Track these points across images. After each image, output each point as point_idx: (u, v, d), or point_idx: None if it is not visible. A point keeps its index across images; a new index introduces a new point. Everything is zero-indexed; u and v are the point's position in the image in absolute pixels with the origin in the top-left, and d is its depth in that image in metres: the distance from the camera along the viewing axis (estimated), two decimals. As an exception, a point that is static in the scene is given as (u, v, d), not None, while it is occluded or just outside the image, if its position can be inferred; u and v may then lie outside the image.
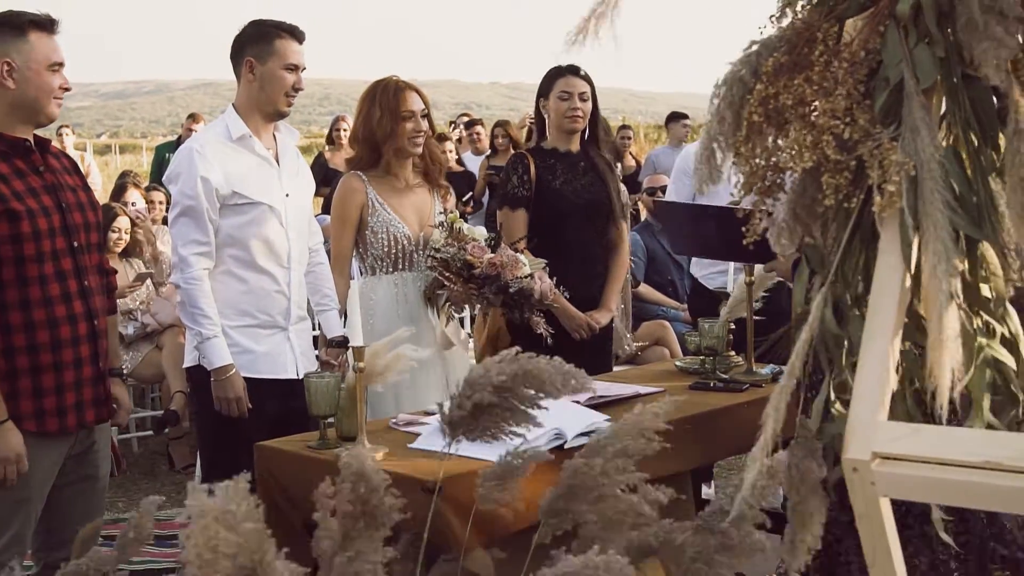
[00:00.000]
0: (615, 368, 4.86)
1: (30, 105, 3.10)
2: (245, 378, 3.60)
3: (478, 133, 10.63)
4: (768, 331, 3.99)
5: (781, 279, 4.28)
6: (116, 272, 3.50)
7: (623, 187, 5.02)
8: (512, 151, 9.83)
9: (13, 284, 3.04)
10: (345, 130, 10.31)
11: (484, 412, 2.34)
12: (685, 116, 12.67)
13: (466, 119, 11.71)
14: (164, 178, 3.68)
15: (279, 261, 3.70)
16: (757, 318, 3.89)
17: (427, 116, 4.06)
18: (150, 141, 47.08)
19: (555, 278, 3.95)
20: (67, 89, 3.18)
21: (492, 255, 3.78)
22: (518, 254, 3.86)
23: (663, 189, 7.26)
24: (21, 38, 3.06)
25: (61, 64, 3.14)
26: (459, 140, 11.23)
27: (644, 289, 6.76)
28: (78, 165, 3.41)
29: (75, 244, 3.16)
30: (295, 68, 3.67)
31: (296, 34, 3.69)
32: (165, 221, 7.63)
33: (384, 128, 3.98)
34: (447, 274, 3.79)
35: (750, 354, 3.82)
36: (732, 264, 4.28)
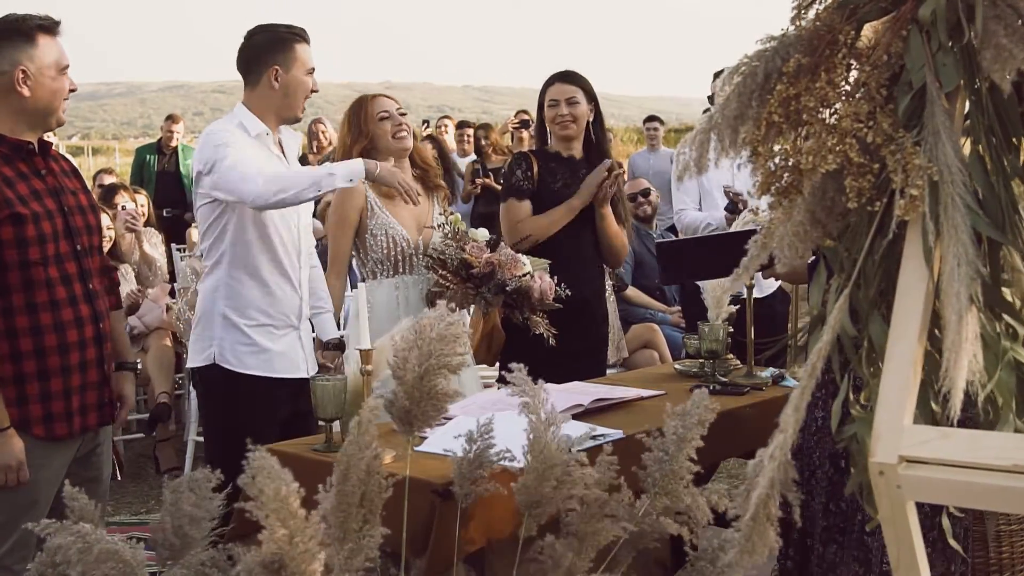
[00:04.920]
0: (609, 372, 4.87)
1: (43, 110, 3.11)
2: (262, 377, 3.61)
3: (468, 135, 10.57)
4: (760, 335, 4.03)
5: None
6: (117, 269, 3.47)
7: None
8: (493, 154, 9.82)
9: (19, 288, 3.02)
10: (324, 132, 10.27)
11: (417, 401, 2.36)
12: (658, 119, 12.78)
13: (447, 121, 11.66)
14: (202, 166, 3.57)
15: (293, 260, 3.71)
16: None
17: (404, 115, 4.10)
18: (122, 143, 46.90)
19: (555, 277, 3.95)
20: (73, 90, 3.18)
21: (490, 254, 3.78)
22: (519, 254, 3.86)
23: (643, 192, 7.28)
24: (31, 44, 3.05)
25: (67, 67, 3.14)
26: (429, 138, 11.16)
27: (632, 292, 6.76)
28: (77, 168, 3.40)
29: (78, 247, 3.15)
30: (312, 72, 3.70)
31: (306, 37, 3.76)
32: (148, 223, 7.61)
33: (355, 136, 4.03)
34: (443, 273, 3.79)
35: (750, 357, 3.83)
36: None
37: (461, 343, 2.35)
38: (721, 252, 3.60)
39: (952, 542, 2.26)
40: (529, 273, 3.85)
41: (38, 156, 3.14)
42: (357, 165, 3.54)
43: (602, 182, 4.34)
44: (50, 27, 3.11)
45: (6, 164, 3.05)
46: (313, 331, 4.16)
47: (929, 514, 3.00)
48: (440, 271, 3.83)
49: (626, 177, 10.52)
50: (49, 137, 3.44)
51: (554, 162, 4.46)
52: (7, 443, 2.98)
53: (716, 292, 4.07)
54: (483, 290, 3.79)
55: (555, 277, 3.97)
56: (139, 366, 3.35)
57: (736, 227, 4.84)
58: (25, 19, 3.08)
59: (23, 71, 3.04)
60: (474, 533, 2.67)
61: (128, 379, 3.37)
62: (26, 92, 3.06)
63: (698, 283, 4.83)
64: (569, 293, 4.05)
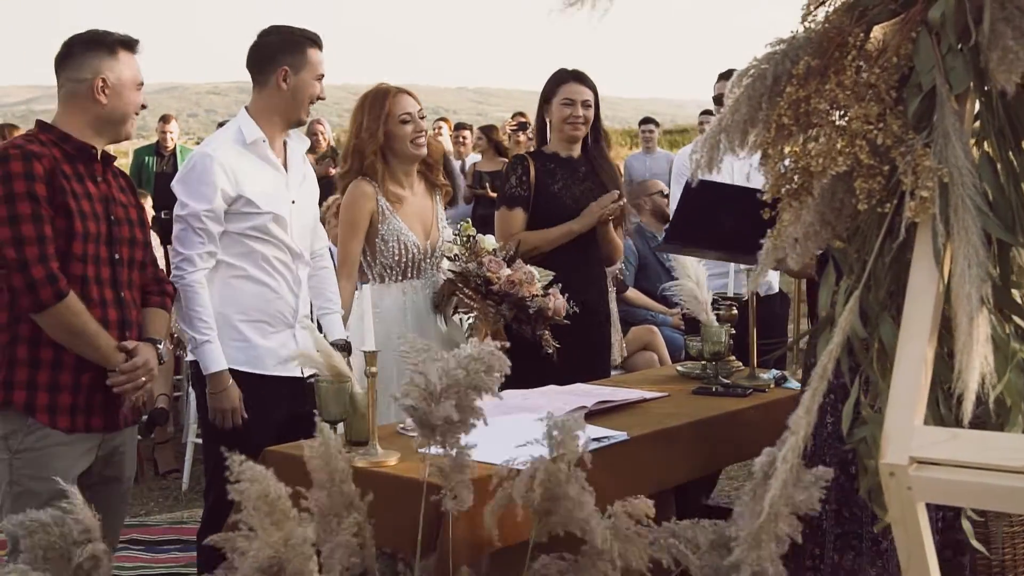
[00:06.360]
0: (612, 374, 4.86)
1: (117, 121, 3.24)
2: (252, 375, 3.61)
3: (463, 137, 10.56)
4: (759, 336, 4.03)
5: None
6: (171, 284, 3.51)
7: None
8: (495, 155, 9.82)
9: None
10: (323, 133, 10.26)
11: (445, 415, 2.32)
12: (654, 121, 12.82)
13: (442, 123, 11.66)
14: (176, 179, 3.66)
15: (285, 265, 3.70)
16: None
17: (423, 118, 4.09)
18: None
19: (560, 286, 3.95)
20: (144, 107, 3.31)
21: (509, 271, 3.78)
22: (530, 266, 3.87)
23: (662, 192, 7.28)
24: (113, 56, 3.21)
25: (142, 84, 3.28)
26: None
27: (632, 294, 6.75)
28: (135, 187, 3.49)
29: (116, 256, 3.20)
30: (321, 77, 3.71)
31: (319, 43, 3.76)
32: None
33: (372, 133, 4.01)
34: (466, 291, 3.80)
35: (753, 359, 3.83)
36: (732, 267, 4.29)
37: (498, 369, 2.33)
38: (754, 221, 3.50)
39: (975, 543, 2.26)
40: (545, 293, 3.87)
41: (98, 163, 3.23)
42: (214, 368, 3.56)
43: (605, 211, 4.34)
44: (130, 44, 3.26)
45: (67, 161, 3.14)
46: (321, 332, 4.15)
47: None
48: (462, 288, 3.84)
49: (623, 177, 10.52)
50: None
51: (553, 163, 4.43)
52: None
53: (696, 295, 4.06)
54: (502, 307, 3.80)
55: (566, 294, 3.98)
56: (162, 347, 3.34)
57: None
58: (108, 34, 3.25)
59: (103, 80, 3.17)
60: (483, 537, 2.66)
61: (149, 348, 3.28)
62: (103, 100, 3.18)
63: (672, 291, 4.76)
64: (578, 310, 4.03)
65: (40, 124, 3.27)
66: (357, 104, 4.18)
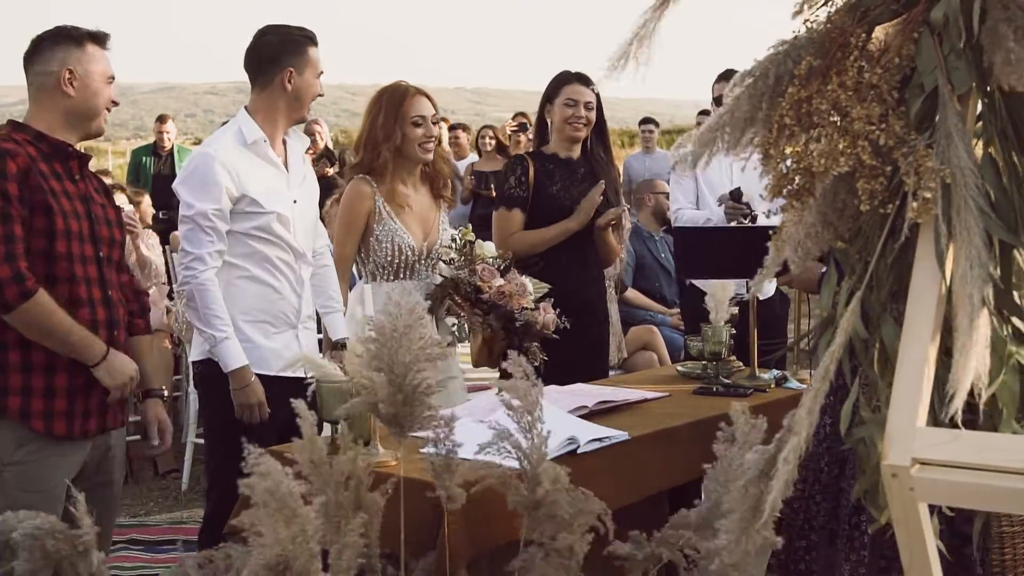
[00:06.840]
0: (611, 374, 4.86)
1: (86, 114, 3.19)
2: (256, 375, 3.60)
3: (457, 137, 10.54)
4: (760, 337, 4.03)
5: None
6: (148, 294, 3.50)
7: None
8: (498, 156, 9.80)
9: (41, 279, 3.02)
10: (320, 134, 10.25)
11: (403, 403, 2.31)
12: (654, 121, 12.84)
13: (441, 123, 11.65)
14: (178, 180, 3.66)
15: (288, 265, 3.70)
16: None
17: (437, 123, 4.08)
18: (114, 145, 46.86)
19: (553, 301, 3.95)
20: (116, 103, 3.26)
21: (501, 282, 3.78)
22: (523, 277, 3.87)
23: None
24: (80, 49, 3.17)
25: (113, 78, 3.24)
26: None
27: (631, 294, 6.75)
28: (109, 190, 3.45)
29: (100, 254, 3.18)
30: (320, 75, 3.73)
31: (316, 40, 3.75)
32: (148, 225, 7.59)
33: (388, 132, 3.99)
34: (456, 298, 3.81)
35: (753, 359, 3.83)
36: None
37: (429, 329, 2.32)
38: (745, 248, 3.57)
39: (937, 541, 2.26)
40: (534, 303, 3.88)
41: (75, 160, 3.20)
42: (235, 364, 3.56)
43: (607, 220, 4.34)
44: (100, 38, 3.23)
45: (43, 160, 3.10)
46: (320, 331, 4.15)
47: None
48: (452, 295, 3.84)
49: (621, 179, 10.51)
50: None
51: (552, 163, 4.43)
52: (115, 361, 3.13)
53: (719, 293, 4.06)
54: (489, 317, 3.80)
55: (557, 309, 3.98)
56: (166, 393, 3.36)
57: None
58: (76, 28, 3.22)
59: (70, 71, 3.14)
60: (479, 537, 2.66)
61: (156, 405, 3.37)
62: (71, 92, 3.14)
63: (697, 284, 4.83)
64: (568, 326, 4.01)
65: (12, 123, 3.21)
66: (374, 98, 4.16)
